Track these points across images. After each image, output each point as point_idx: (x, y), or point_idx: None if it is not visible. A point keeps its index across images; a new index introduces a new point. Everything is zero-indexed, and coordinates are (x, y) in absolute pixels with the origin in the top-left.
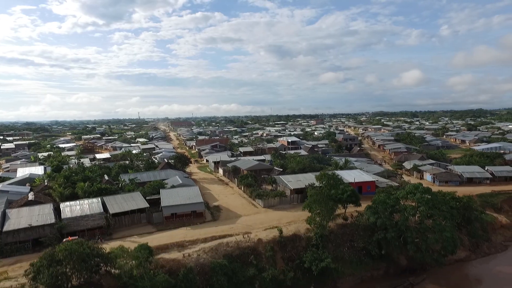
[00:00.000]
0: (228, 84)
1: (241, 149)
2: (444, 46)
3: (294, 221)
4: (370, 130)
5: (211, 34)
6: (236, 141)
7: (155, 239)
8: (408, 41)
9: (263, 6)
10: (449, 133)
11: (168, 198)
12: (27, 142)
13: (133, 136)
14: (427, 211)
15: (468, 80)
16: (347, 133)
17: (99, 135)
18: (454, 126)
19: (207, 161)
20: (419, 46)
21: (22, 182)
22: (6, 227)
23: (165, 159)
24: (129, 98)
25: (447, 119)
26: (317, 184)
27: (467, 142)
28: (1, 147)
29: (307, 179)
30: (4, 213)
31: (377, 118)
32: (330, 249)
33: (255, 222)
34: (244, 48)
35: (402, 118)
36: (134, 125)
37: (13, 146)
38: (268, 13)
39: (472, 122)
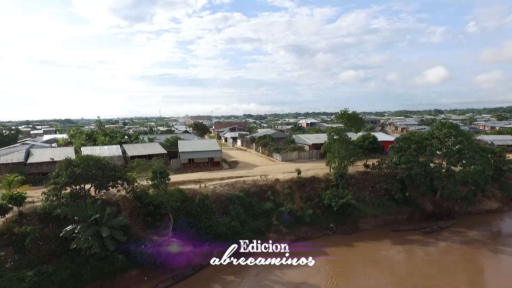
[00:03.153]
0: (248, 84)
1: (260, 131)
2: (471, 43)
3: (313, 169)
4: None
5: (231, 35)
6: (254, 125)
7: (172, 178)
8: (432, 38)
9: (282, 6)
10: (477, 122)
11: (186, 146)
12: (54, 128)
13: (154, 125)
14: (455, 145)
15: (496, 77)
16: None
17: (122, 125)
18: (483, 117)
19: (225, 140)
20: (444, 43)
21: (47, 142)
22: (30, 160)
23: (184, 128)
24: (150, 98)
25: (473, 114)
26: (337, 124)
27: (497, 128)
28: (31, 132)
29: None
30: (28, 151)
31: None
32: (350, 192)
33: (272, 169)
34: (263, 48)
35: (426, 115)
36: (155, 119)
37: (42, 132)
38: (287, 12)
39: (503, 114)
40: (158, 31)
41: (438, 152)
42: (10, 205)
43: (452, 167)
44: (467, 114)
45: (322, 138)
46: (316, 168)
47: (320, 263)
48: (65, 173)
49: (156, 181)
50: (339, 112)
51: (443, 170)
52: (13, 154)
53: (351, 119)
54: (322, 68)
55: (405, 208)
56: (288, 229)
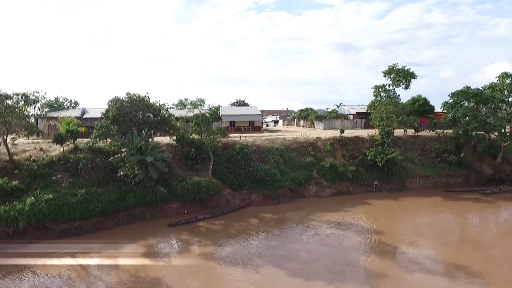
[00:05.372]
0: (290, 83)
1: None
2: None
3: (357, 133)
4: None
5: (274, 34)
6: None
7: None
8: (495, 32)
9: (328, 3)
10: None
11: (227, 110)
12: None
13: None
14: None
15: None
16: None
17: None
18: None
19: (267, 125)
20: (510, 37)
21: None
22: (85, 116)
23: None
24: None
25: None
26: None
27: None
28: None
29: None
30: (84, 110)
31: None
32: (397, 151)
33: (313, 133)
34: (307, 47)
35: None
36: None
37: None
38: (333, 9)
39: None
40: (203, 33)
41: (498, 114)
42: (67, 137)
43: None
44: None
45: (366, 107)
46: (361, 133)
47: (361, 214)
48: (114, 107)
49: (198, 123)
50: (388, 67)
51: (507, 129)
52: (72, 111)
53: (400, 74)
54: (368, 66)
55: (460, 171)
56: (329, 183)
